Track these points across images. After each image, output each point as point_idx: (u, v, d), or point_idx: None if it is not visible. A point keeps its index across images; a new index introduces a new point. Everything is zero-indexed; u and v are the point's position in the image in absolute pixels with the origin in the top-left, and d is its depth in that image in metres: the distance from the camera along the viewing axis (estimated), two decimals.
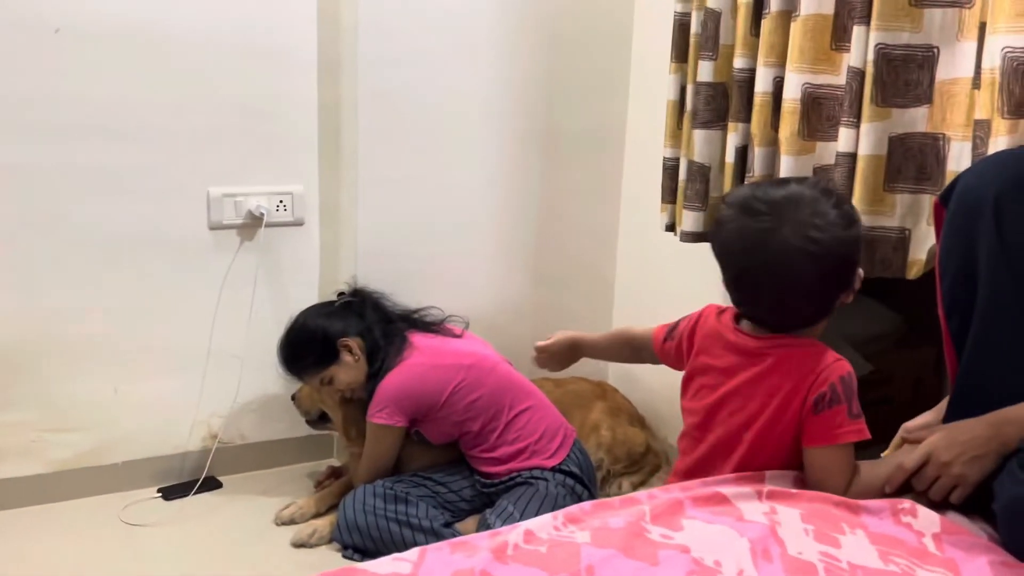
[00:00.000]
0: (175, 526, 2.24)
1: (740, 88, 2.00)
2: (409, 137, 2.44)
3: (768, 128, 1.95)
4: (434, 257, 2.54)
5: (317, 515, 2.25)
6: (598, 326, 2.70)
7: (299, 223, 2.44)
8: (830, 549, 1.16)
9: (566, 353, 1.78)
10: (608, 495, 2.23)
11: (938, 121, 1.71)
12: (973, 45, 1.60)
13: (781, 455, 1.39)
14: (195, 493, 2.36)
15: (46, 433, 2.29)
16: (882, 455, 1.45)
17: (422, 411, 2.16)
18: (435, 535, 2.02)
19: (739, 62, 2.00)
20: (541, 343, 1.79)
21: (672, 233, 2.26)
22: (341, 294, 2.34)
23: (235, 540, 2.18)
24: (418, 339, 2.22)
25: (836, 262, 1.35)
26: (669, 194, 2.26)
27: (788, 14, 1.87)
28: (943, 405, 1.39)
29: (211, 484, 2.42)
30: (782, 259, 1.32)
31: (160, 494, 2.37)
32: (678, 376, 1.54)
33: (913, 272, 1.78)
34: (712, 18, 2.05)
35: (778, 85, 1.91)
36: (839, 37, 1.82)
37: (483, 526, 2.05)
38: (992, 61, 1.48)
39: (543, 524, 1.21)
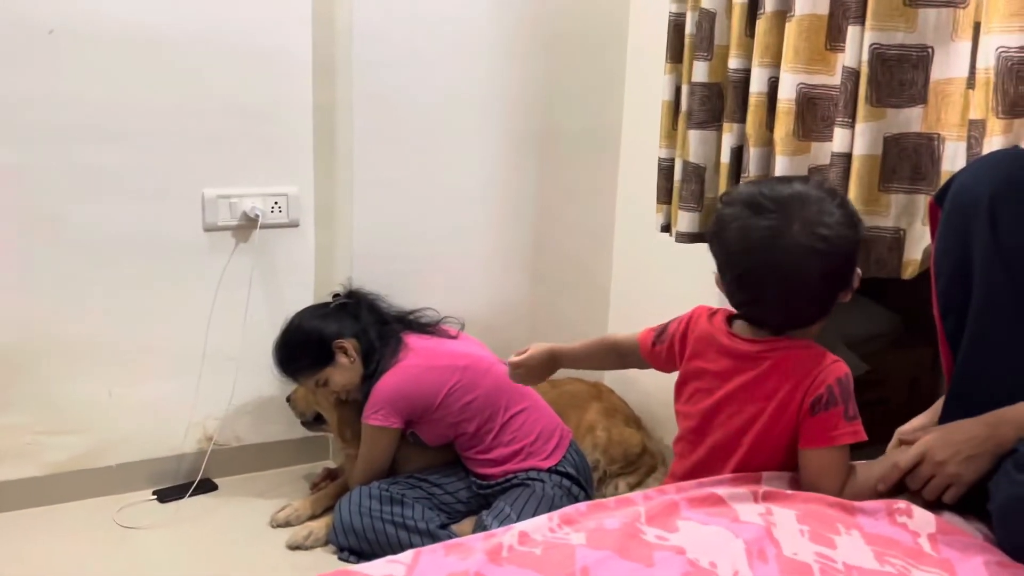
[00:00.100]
0: (170, 528, 2.23)
1: (735, 88, 2.00)
2: (404, 138, 2.44)
3: (763, 128, 1.94)
4: (429, 258, 2.54)
5: (313, 517, 2.24)
6: (594, 326, 2.71)
7: (294, 224, 2.44)
8: (826, 550, 1.15)
9: (544, 365, 1.66)
10: (604, 496, 2.23)
11: (933, 121, 1.71)
12: (967, 45, 1.60)
13: (778, 456, 1.39)
14: (190, 495, 2.36)
15: (41, 435, 2.29)
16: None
17: (417, 413, 2.16)
18: (431, 537, 2.02)
19: (734, 62, 2.00)
20: (515, 358, 1.66)
21: (667, 234, 2.25)
22: (336, 295, 2.34)
23: (231, 542, 2.17)
24: (413, 340, 2.22)
25: (841, 261, 1.34)
26: (665, 195, 2.26)
27: (783, 14, 1.87)
28: (938, 406, 1.39)
29: (206, 486, 2.42)
30: (790, 257, 1.31)
31: (155, 496, 2.37)
32: (673, 377, 1.54)
33: (908, 272, 1.78)
34: (707, 18, 2.05)
35: (773, 85, 1.91)
36: (834, 37, 1.82)
37: (479, 528, 2.04)
38: (987, 61, 1.49)
39: (538, 526, 1.21)
